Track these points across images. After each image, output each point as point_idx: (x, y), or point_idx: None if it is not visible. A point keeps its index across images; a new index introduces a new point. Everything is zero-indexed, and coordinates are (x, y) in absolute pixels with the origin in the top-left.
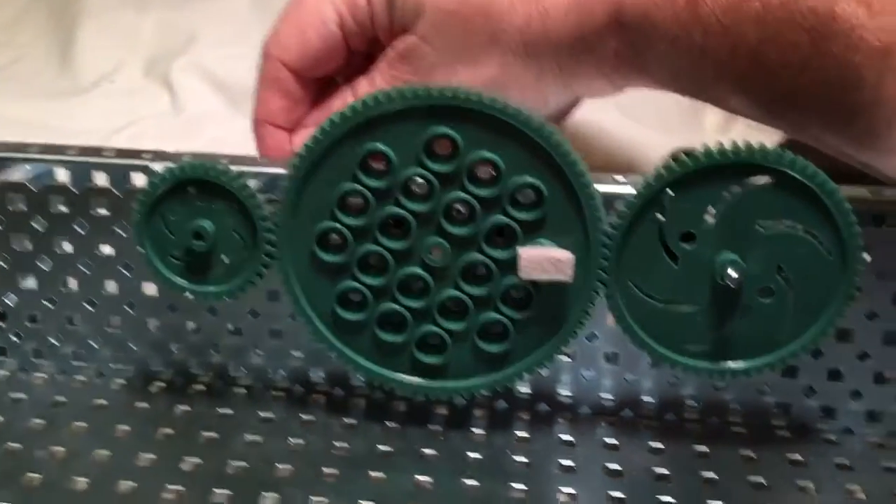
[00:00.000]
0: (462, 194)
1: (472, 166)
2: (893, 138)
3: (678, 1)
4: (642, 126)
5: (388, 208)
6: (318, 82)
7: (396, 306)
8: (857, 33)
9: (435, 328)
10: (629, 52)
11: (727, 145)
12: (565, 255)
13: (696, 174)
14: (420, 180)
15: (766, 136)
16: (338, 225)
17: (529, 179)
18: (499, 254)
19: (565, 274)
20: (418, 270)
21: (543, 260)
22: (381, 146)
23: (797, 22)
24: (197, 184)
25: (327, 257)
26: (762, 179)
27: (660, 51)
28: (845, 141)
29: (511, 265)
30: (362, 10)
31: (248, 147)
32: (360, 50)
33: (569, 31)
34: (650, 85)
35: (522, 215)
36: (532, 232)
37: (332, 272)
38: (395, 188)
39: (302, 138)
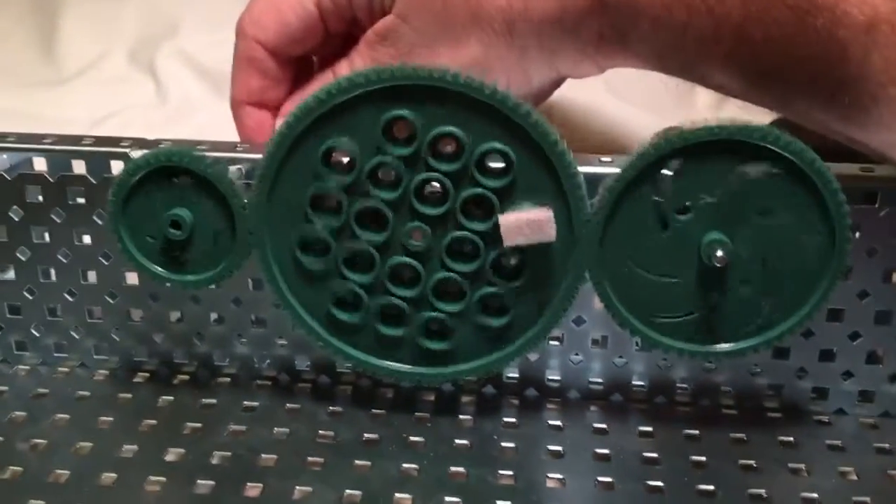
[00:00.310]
0: (431, 173)
1: (434, 143)
2: (879, 113)
3: None
4: (633, 106)
5: (360, 201)
6: (297, 61)
7: (392, 298)
8: (841, 8)
9: (435, 313)
10: (612, 33)
11: (712, 122)
12: (544, 215)
13: (680, 152)
14: (386, 167)
15: (759, 115)
16: (316, 227)
17: (496, 145)
18: (479, 226)
19: (547, 234)
20: (404, 259)
21: (523, 224)
22: (338, 141)
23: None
24: (174, 171)
25: (310, 262)
26: (749, 157)
27: (643, 31)
28: (831, 117)
29: (494, 236)
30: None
31: (234, 133)
32: (338, 30)
33: (551, 10)
34: (634, 65)
35: (494, 183)
36: (508, 198)
37: (318, 275)
38: (362, 180)
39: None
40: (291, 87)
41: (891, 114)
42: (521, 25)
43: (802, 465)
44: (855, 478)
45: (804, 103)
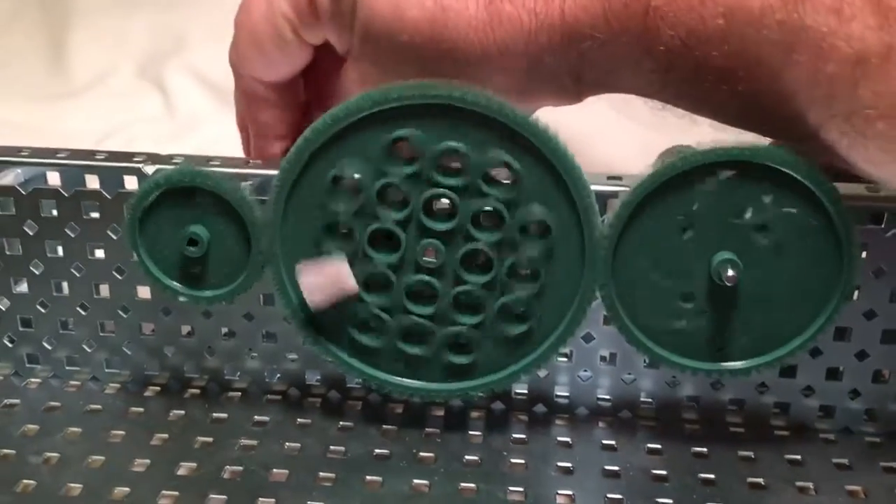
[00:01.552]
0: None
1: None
2: (866, 147)
3: (633, 28)
4: (636, 124)
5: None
6: (302, 78)
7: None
8: (829, 42)
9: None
10: (591, 78)
11: (722, 143)
12: (341, 266)
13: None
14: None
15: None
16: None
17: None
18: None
19: (347, 284)
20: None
21: (322, 279)
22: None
23: (764, 36)
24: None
25: None
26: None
27: (623, 75)
28: (818, 149)
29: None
30: (307, 13)
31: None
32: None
33: (527, 62)
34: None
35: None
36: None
37: None
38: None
39: None
40: (300, 106)
41: (878, 149)
42: (494, 76)
43: (810, 484)
44: (862, 496)
45: (790, 137)
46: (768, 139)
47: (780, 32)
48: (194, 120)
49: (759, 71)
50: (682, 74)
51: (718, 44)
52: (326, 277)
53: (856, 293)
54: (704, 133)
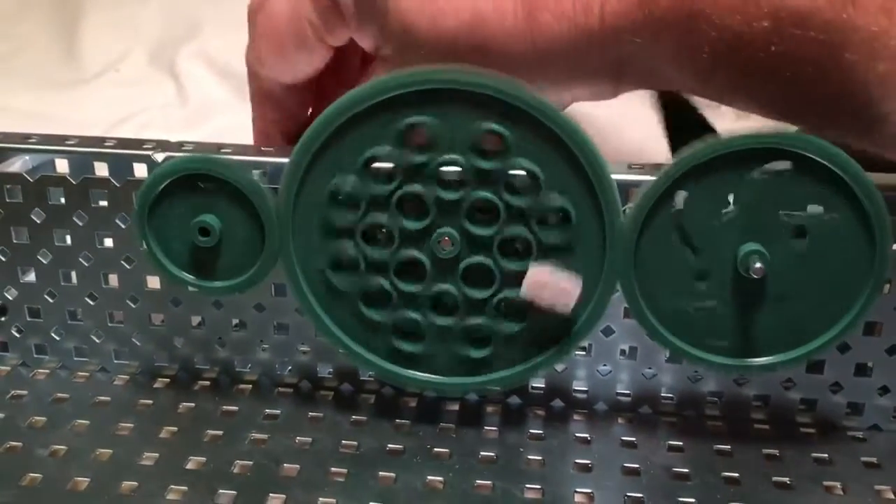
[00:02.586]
0: (490, 195)
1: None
2: None
3: (676, 32)
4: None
5: (406, 189)
6: (318, 79)
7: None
8: (881, 41)
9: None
10: (632, 78)
11: (744, 131)
12: (575, 288)
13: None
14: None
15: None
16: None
17: (559, 200)
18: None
19: (565, 306)
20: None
21: (552, 286)
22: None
23: (812, 37)
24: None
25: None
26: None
27: (664, 75)
28: (866, 144)
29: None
30: (333, 16)
31: None
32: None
33: (567, 67)
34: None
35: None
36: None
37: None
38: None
39: None
40: (315, 104)
41: None
42: (534, 73)
43: (837, 483)
44: (892, 496)
45: (837, 134)
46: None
47: (828, 33)
48: (207, 108)
49: (808, 70)
50: (727, 74)
51: (764, 45)
52: (557, 287)
53: (887, 287)
54: (729, 123)
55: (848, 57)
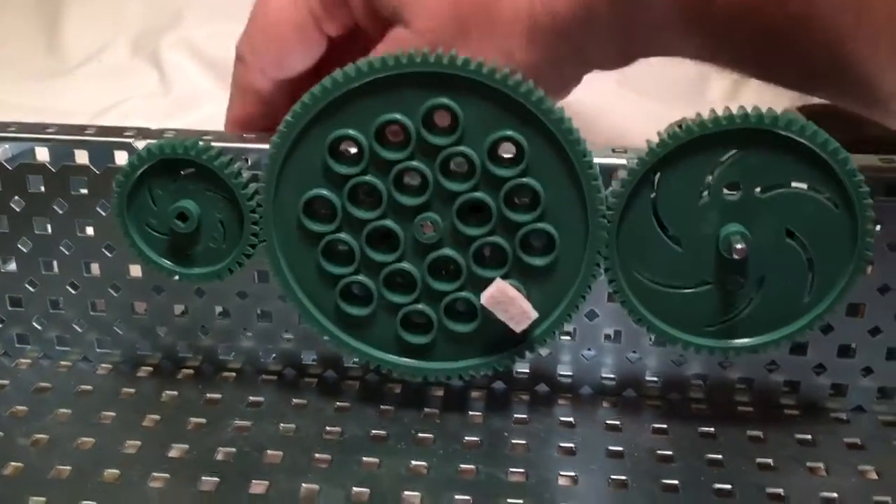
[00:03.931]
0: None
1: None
2: None
3: None
4: (645, 98)
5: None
6: (299, 77)
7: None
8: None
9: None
10: (642, 44)
11: (721, 112)
12: (531, 313)
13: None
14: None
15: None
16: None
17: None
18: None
19: (519, 326)
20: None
21: (512, 303)
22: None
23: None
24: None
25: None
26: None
27: (676, 41)
28: (893, 115)
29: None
30: (339, 6)
31: None
32: (342, 40)
33: (575, 13)
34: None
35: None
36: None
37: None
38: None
39: None
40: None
41: None
42: (544, 30)
43: (821, 464)
44: (875, 476)
45: (858, 102)
46: (791, 103)
47: None
48: (190, 97)
49: (826, 35)
50: (741, 38)
51: (780, 6)
52: (517, 307)
53: (869, 267)
54: (714, 104)
55: (868, 21)
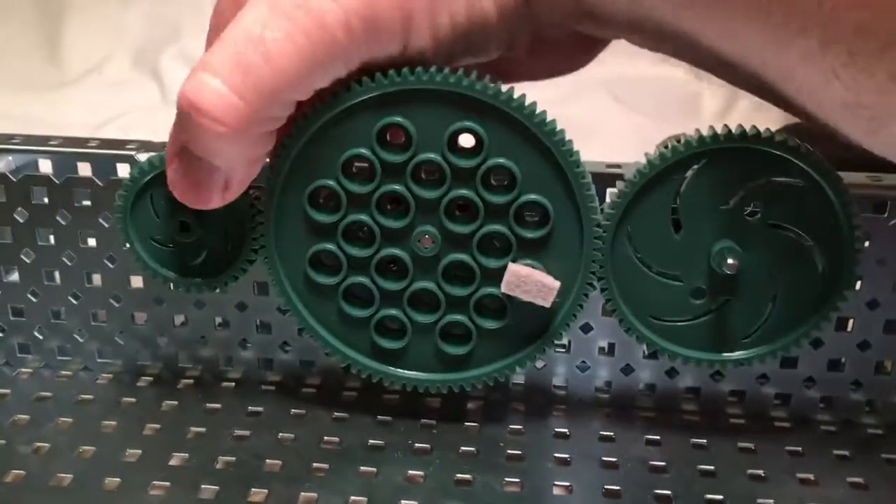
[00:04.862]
0: (469, 193)
1: (488, 171)
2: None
3: None
4: (638, 114)
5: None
6: None
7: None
8: None
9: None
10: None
11: (720, 129)
12: (553, 284)
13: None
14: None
15: (767, 123)
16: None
17: (536, 197)
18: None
19: (545, 300)
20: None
21: (530, 281)
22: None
23: None
24: None
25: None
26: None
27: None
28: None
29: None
30: None
31: None
32: None
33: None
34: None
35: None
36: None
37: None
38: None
39: None
40: None
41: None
42: None
43: (811, 475)
44: (864, 488)
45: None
46: (783, 123)
47: None
48: None
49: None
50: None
51: None
52: (537, 283)
53: (858, 283)
54: (706, 126)
55: None
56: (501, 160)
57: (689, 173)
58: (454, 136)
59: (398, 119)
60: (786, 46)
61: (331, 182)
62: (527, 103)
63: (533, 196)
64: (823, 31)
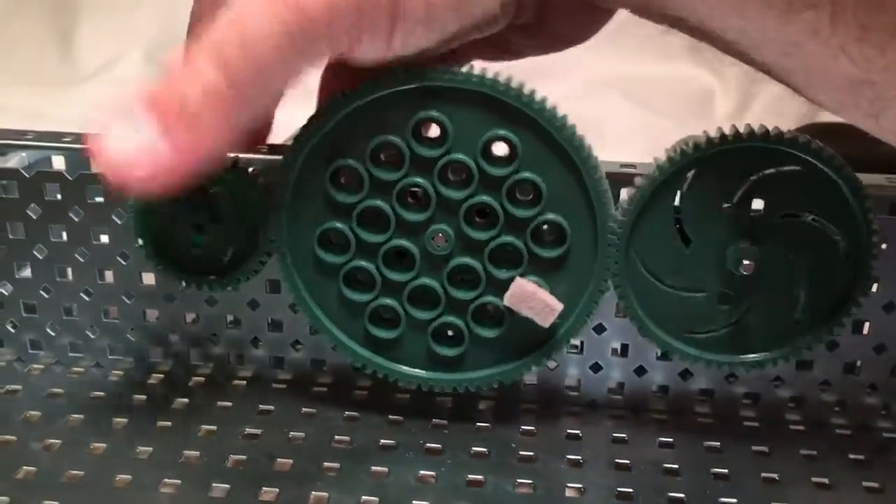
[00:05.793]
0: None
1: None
2: None
3: None
4: (653, 114)
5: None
6: None
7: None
8: None
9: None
10: None
11: (741, 129)
12: (555, 304)
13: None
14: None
15: (781, 123)
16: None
17: (557, 217)
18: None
19: (545, 320)
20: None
21: (536, 299)
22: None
23: None
24: None
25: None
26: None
27: None
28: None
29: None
30: None
31: None
32: None
33: None
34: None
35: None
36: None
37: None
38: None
39: None
40: None
41: None
42: None
43: (826, 479)
44: (880, 493)
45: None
46: (798, 124)
47: None
48: None
49: None
50: None
51: None
52: (541, 301)
53: (875, 285)
54: (721, 119)
55: None
56: (531, 175)
57: (685, 185)
58: (489, 143)
59: (439, 115)
60: (793, 19)
61: (357, 164)
62: (559, 115)
63: (553, 216)
64: (834, 4)
